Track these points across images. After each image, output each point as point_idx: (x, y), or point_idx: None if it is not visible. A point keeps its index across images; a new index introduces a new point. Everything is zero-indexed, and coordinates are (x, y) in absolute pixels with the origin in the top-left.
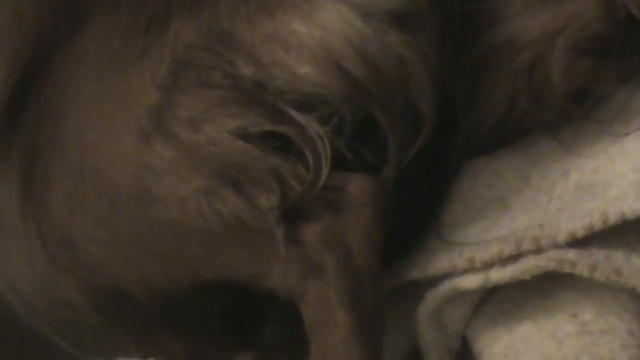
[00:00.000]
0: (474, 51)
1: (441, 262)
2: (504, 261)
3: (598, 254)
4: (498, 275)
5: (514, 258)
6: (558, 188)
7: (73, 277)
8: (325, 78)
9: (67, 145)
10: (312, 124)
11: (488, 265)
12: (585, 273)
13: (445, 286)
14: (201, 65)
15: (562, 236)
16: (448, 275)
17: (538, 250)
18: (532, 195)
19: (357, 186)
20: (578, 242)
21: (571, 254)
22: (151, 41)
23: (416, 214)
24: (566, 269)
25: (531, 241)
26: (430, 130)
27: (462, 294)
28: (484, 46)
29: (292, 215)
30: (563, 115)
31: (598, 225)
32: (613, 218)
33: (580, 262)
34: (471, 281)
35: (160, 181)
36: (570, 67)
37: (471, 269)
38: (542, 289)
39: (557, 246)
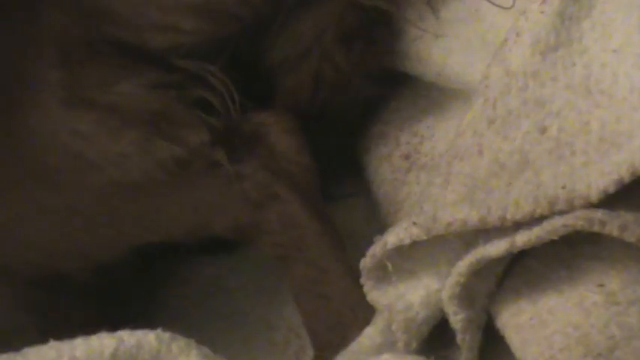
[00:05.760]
0: None
1: (472, 218)
2: (531, 222)
3: (626, 216)
4: (524, 238)
5: (539, 219)
6: (580, 141)
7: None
8: (210, 25)
9: None
10: (203, 67)
11: (517, 226)
12: (615, 233)
13: (471, 257)
14: (85, 41)
15: (594, 195)
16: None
17: (568, 210)
18: (553, 148)
19: (274, 118)
20: (603, 203)
21: (600, 214)
22: (31, 32)
23: None
24: (596, 228)
25: (565, 201)
26: None
27: (487, 266)
28: None
29: (227, 156)
30: None
31: (627, 177)
32: None
33: (609, 222)
34: (496, 248)
35: (92, 144)
36: None
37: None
38: (565, 260)
39: (586, 205)
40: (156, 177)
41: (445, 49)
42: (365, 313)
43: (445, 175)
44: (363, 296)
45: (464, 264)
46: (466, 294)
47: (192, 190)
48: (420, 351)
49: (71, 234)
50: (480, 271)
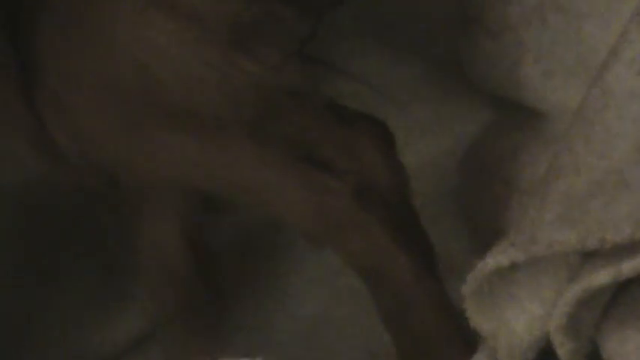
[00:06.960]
0: None
1: (570, 239)
2: (635, 249)
3: None
4: (631, 266)
5: None
6: None
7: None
8: None
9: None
10: None
11: (618, 252)
12: None
13: (577, 287)
14: None
15: None
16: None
17: None
18: None
19: (369, 130)
20: None
21: None
22: None
23: None
24: None
25: None
26: None
27: (592, 296)
28: None
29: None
30: None
31: None
32: None
33: None
34: (603, 277)
35: (164, 58)
36: None
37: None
38: None
39: None
40: (228, 116)
41: (545, 73)
42: (456, 348)
43: (542, 195)
44: (454, 330)
45: (570, 295)
46: (573, 324)
47: (265, 169)
48: None
49: (127, 151)
50: (586, 300)
